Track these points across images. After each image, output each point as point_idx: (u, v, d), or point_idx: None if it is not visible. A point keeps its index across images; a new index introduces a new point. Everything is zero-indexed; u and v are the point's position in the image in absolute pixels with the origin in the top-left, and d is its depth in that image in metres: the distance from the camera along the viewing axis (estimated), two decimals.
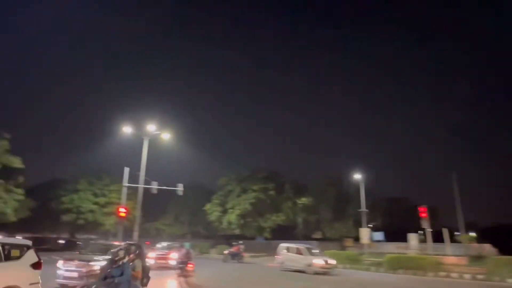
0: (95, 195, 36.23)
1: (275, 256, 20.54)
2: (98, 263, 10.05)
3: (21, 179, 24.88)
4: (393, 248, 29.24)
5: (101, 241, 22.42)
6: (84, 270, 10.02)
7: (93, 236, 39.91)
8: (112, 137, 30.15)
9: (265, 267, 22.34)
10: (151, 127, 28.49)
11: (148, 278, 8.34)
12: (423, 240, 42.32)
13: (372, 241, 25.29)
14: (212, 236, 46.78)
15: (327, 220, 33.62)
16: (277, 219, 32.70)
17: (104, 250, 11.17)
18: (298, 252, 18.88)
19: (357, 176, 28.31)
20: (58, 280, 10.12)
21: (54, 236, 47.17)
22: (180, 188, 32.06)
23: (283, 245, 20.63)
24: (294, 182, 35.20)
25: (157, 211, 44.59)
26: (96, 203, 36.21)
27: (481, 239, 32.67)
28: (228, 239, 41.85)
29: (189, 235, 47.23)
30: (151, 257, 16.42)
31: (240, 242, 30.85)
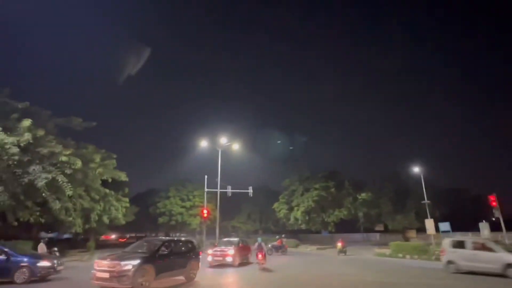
0: (182, 200, 39.24)
1: (441, 254, 14.66)
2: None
3: (126, 190, 27.96)
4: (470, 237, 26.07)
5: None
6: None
7: (183, 234, 42.78)
8: (193, 149, 32.25)
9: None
10: (223, 140, 30.00)
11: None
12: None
13: (440, 232, 22.87)
14: (281, 231, 47.19)
15: (388, 213, 31.51)
16: (340, 214, 31.83)
17: None
18: (484, 247, 12.60)
19: (416, 169, 26.17)
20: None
21: (154, 234, 51.54)
22: (250, 190, 33.06)
23: (449, 239, 14.22)
24: (353, 179, 33.91)
25: (232, 211, 46.47)
26: (183, 207, 39.18)
27: None
28: (296, 234, 41.80)
29: (260, 230, 48.25)
30: (208, 254, 15.89)
31: (283, 236, 30.88)
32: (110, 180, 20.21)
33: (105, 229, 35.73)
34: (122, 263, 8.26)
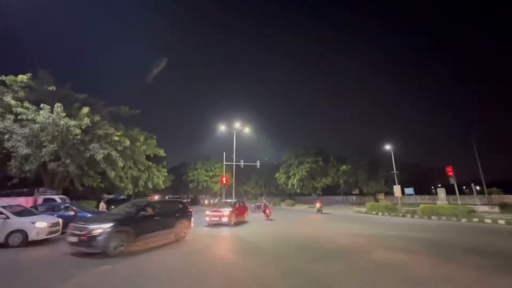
0: (206, 170, 38.90)
1: None
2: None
3: (165, 163, 27.51)
4: (423, 200, 25.49)
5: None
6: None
7: (207, 196, 42.89)
8: (214, 131, 31.33)
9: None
10: (237, 124, 29.00)
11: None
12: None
13: (405, 195, 22.18)
14: (280, 194, 47.18)
15: (363, 180, 30.79)
16: (326, 181, 31.26)
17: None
18: None
19: (387, 146, 25.10)
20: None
21: (185, 196, 51.88)
22: (258, 163, 32.31)
23: None
24: (336, 154, 32.94)
25: (244, 179, 46.22)
26: (207, 176, 38.82)
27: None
28: (292, 196, 41.65)
29: (264, 193, 48.25)
30: (206, 214, 13.36)
31: (264, 197, 30.06)
32: (152, 155, 19.69)
33: (150, 192, 36.06)
34: (91, 226, 6.28)
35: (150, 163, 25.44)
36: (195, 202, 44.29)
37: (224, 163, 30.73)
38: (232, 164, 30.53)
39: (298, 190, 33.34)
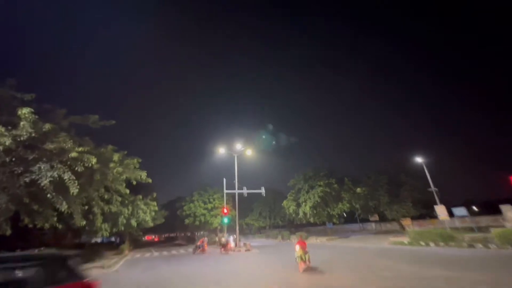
0: (204, 202, 33.12)
1: None
2: None
3: (154, 194, 22.18)
4: (486, 221, 19.98)
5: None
6: None
7: (205, 232, 36.07)
8: (212, 157, 26.60)
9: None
10: (238, 146, 24.61)
11: None
12: (475, 213, 30.70)
13: (455, 217, 17.02)
14: (287, 225, 40.54)
15: (385, 204, 25.45)
16: (343, 207, 25.64)
17: None
18: None
19: (419, 160, 20.66)
20: None
21: (182, 234, 44.61)
22: (263, 190, 27.21)
23: None
24: (351, 175, 28.01)
25: (245, 210, 39.98)
26: (205, 209, 32.96)
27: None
28: (302, 227, 35.19)
29: (268, 226, 41.51)
30: None
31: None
32: (134, 183, 14.66)
33: (138, 231, 29.45)
34: None
35: (134, 196, 20.11)
36: (191, 240, 37.00)
37: (225, 191, 25.42)
38: (234, 193, 25.28)
39: (311, 219, 27.46)
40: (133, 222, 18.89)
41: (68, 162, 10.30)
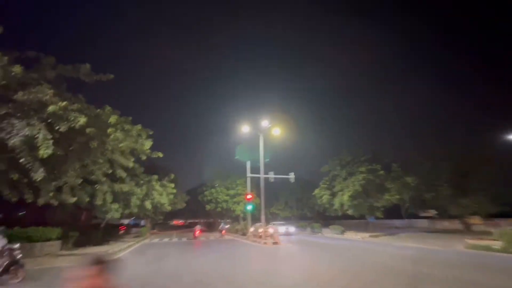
0: (226, 188, 30.67)
1: None
2: None
3: (172, 175, 20.05)
4: None
5: None
6: None
7: (228, 220, 34.06)
8: (235, 136, 23.55)
9: None
10: (264, 123, 21.21)
11: None
12: None
13: None
14: (315, 217, 36.83)
15: (446, 197, 20.33)
16: (391, 198, 21.10)
17: None
18: None
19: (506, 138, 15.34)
20: None
21: (202, 220, 43.59)
22: (292, 176, 23.72)
23: None
24: (400, 161, 23.05)
25: (271, 199, 37.05)
26: (227, 195, 30.62)
27: None
28: (335, 220, 31.24)
29: (294, 217, 38.17)
30: None
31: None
32: (144, 157, 12.27)
33: (158, 215, 28.29)
34: None
35: (149, 176, 18.16)
36: (212, 227, 35.38)
37: (248, 175, 22.54)
38: (259, 178, 22.30)
39: (349, 211, 23.45)
40: (148, 204, 17.01)
41: (49, 120, 7.95)
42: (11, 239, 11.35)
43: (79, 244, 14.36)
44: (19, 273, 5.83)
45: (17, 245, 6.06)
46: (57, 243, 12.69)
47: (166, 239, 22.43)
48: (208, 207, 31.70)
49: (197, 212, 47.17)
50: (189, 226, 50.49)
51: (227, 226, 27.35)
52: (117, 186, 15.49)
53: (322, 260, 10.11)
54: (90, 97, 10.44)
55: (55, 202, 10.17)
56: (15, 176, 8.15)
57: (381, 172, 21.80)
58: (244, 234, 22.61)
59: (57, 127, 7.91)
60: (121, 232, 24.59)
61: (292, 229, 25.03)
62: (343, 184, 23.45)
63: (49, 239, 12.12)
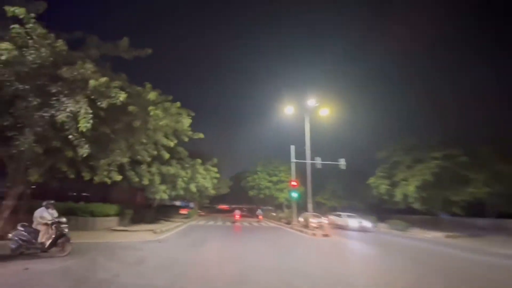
0: (269, 174, 29.77)
1: None
2: None
3: (215, 160, 19.90)
4: None
5: None
6: None
7: (272, 208, 33.40)
8: (278, 118, 21.99)
9: None
10: (311, 102, 18.99)
11: None
12: None
13: None
14: (367, 209, 32.99)
15: None
16: (478, 191, 16.64)
17: None
18: None
19: None
20: None
21: (243, 207, 44.18)
22: (342, 162, 21.18)
23: None
24: (491, 144, 17.98)
25: (316, 187, 34.70)
26: (270, 181, 29.70)
27: None
28: (394, 213, 27.26)
29: (341, 208, 34.97)
30: None
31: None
32: (186, 139, 11.97)
33: (204, 198, 29.38)
34: None
35: (193, 160, 18.33)
36: (253, 213, 35.31)
37: (293, 160, 20.91)
38: (304, 163, 20.49)
39: (416, 205, 19.72)
40: (192, 187, 17.27)
41: (92, 97, 7.86)
42: (75, 213, 12.74)
43: (134, 221, 15.42)
44: (66, 246, 5.76)
45: (64, 219, 5.98)
46: (115, 219, 13.73)
47: (211, 222, 22.99)
48: (250, 193, 31.56)
49: (240, 198, 48.34)
50: (233, 211, 52.71)
51: (264, 212, 28.26)
52: (164, 169, 15.97)
53: (392, 263, 8.04)
54: (131, 78, 10.28)
55: (108, 181, 10.65)
56: (69, 153, 8.48)
57: (463, 158, 17.27)
58: (288, 222, 21.44)
59: (99, 103, 7.78)
60: (179, 213, 26.52)
61: (367, 223, 19.26)
62: (407, 172, 19.66)
63: (108, 215, 13.15)
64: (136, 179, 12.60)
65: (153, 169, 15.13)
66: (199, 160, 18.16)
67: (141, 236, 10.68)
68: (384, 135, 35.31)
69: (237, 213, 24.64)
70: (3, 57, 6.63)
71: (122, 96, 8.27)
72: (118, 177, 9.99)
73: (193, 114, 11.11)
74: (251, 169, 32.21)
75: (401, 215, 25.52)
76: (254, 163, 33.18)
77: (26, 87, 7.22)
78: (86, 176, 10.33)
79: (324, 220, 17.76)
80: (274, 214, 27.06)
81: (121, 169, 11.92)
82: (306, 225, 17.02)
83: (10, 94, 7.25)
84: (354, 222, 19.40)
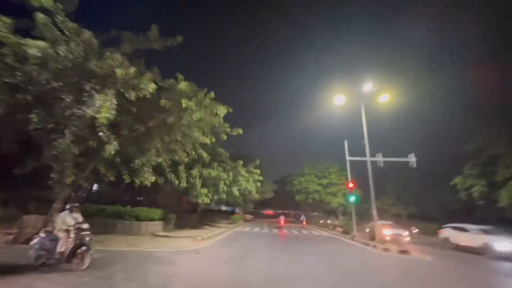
0: (317, 177, 26.80)
1: None
2: None
3: (257, 161, 18.46)
4: None
5: None
6: None
7: (322, 214, 30.21)
8: (323, 112, 19.33)
9: None
10: (367, 87, 15.89)
11: None
12: None
13: None
14: (446, 217, 26.42)
15: None
16: None
17: None
18: None
19: None
20: None
21: (289, 212, 41.57)
22: (412, 159, 17.15)
23: None
24: None
25: (376, 191, 29.80)
26: (319, 184, 26.63)
27: None
28: (487, 222, 20.82)
29: (415, 215, 28.92)
30: None
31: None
32: (224, 137, 10.82)
33: (248, 202, 28.24)
34: None
35: (234, 163, 17.25)
36: (296, 220, 32.27)
37: (348, 158, 17.81)
38: (360, 162, 17.20)
39: None
40: (235, 190, 16.08)
41: (121, 90, 7.22)
42: (122, 216, 12.80)
43: (178, 225, 15.00)
44: (85, 258, 4.81)
45: (86, 225, 5.12)
46: (160, 223, 13.41)
47: (256, 229, 21.49)
48: (297, 197, 28.99)
49: (286, 203, 45.86)
50: (278, 216, 50.46)
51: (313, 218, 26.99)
52: (205, 171, 15.24)
53: None
54: (163, 73, 9.58)
55: (147, 183, 10.14)
56: (104, 153, 8.07)
57: None
58: (345, 232, 18.27)
59: (127, 95, 7.08)
60: (225, 218, 26.15)
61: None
62: None
63: (153, 219, 12.89)
64: (176, 182, 11.98)
65: (194, 171, 14.50)
66: (240, 162, 16.97)
67: (181, 243, 9.73)
68: (468, 124, 26.77)
69: (282, 219, 24.53)
70: (38, 54, 6.48)
71: (151, 87, 7.47)
72: (152, 178, 9.28)
73: (230, 109, 9.79)
74: (297, 172, 29.72)
75: (498, 224, 18.97)
76: (300, 165, 30.63)
77: (61, 84, 6.99)
78: (127, 178, 10.04)
79: (404, 233, 14.04)
80: (328, 221, 23.92)
81: (160, 170, 11.50)
82: (373, 237, 13.85)
83: (47, 93, 7.13)
84: (503, 243, 10.87)
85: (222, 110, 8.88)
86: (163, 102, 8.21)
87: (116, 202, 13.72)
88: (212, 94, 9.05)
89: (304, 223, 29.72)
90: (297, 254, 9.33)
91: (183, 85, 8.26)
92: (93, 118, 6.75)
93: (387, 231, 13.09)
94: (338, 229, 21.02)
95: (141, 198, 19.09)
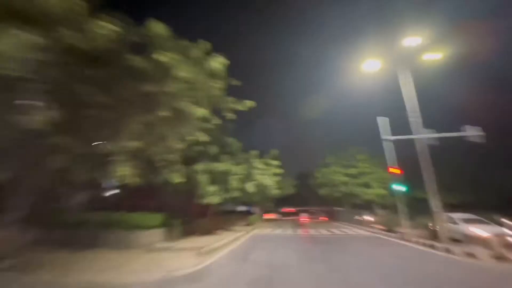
0: (344, 166, 23.31)
1: None
2: None
3: (275, 152, 15.51)
4: None
5: None
6: None
7: (343, 209, 26.57)
8: (355, 79, 15.93)
9: None
10: (409, 42, 12.46)
11: None
12: None
13: None
14: (502, 205, 21.81)
15: None
16: None
17: None
18: None
19: None
20: None
21: (311, 209, 37.80)
22: (471, 133, 13.37)
23: None
24: None
25: (417, 177, 25.70)
26: (347, 175, 23.16)
27: None
28: None
29: (470, 205, 24.37)
30: None
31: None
32: (228, 114, 8.08)
33: (268, 200, 25.32)
34: None
35: (247, 154, 14.49)
36: (330, 216, 28.71)
37: (385, 137, 14.30)
38: (398, 144, 13.69)
39: None
40: (249, 186, 13.31)
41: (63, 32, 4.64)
42: (111, 226, 10.49)
43: (186, 232, 12.53)
44: None
45: None
46: (160, 231, 10.97)
47: (278, 230, 18.61)
48: (321, 191, 25.64)
49: (309, 199, 42.47)
50: (300, 214, 46.85)
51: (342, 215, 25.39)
52: (212, 165, 12.61)
53: None
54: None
55: (129, 181, 7.66)
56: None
57: None
58: (390, 229, 14.88)
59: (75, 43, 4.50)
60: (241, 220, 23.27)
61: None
62: None
63: (151, 227, 10.47)
64: (174, 178, 9.43)
65: (198, 166, 11.92)
66: (254, 152, 14.17)
67: (177, 261, 7.09)
68: None
69: (304, 216, 22.71)
70: None
71: (107, 29, 4.83)
72: (125, 170, 6.63)
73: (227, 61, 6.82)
74: (319, 163, 26.34)
75: None
76: (322, 153, 27.14)
77: None
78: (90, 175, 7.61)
79: (507, 231, 9.19)
80: (365, 217, 20.40)
81: (151, 165, 9.00)
82: (435, 235, 10.48)
83: None
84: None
85: (218, 63, 6.05)
86: (131, 58, 5.57)
87: (111, 209, 11.54)
88: (208, 45, 6.26)
89: (321, 218, 29.34)
90: (345, 271, 6.31)
91: (156, 27, 5.57)
92: None
93: (477, 229, 9.24)
94: (377, 226, 17.58)
95: (142, 203, 16.89)
